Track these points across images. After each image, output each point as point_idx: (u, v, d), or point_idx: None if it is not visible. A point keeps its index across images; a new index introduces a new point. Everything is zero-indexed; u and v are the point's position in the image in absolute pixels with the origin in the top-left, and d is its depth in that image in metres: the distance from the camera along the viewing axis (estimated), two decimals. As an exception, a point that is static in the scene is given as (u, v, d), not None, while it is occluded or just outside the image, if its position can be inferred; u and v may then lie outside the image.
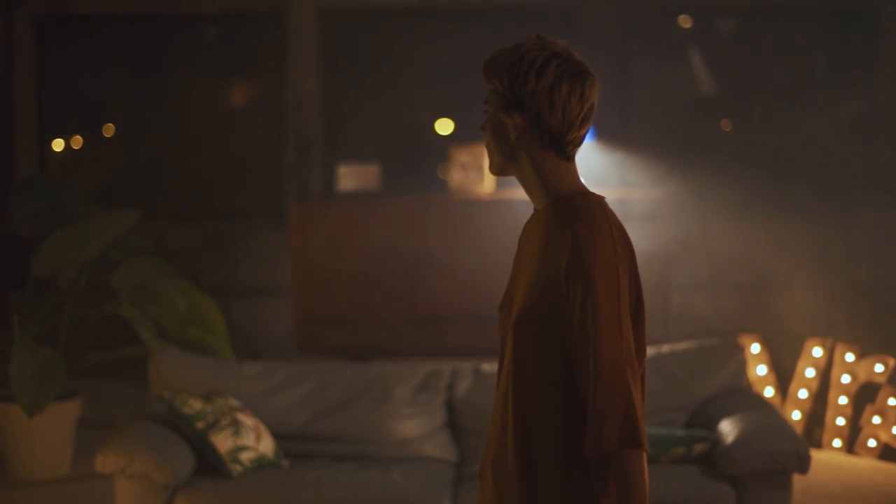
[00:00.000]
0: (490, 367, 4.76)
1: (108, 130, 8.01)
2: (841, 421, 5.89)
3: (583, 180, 2.33)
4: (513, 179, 2.37)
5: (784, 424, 4.38)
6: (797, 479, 4.94)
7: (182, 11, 7.72)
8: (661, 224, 6.13)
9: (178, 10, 7.72)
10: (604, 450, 2.11)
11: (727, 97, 7.52)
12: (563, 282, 2.17)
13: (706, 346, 4.91)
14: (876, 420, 5.76)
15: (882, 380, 5.82)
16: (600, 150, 6.63)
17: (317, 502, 4.17)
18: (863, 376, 5.88)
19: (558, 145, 2.24)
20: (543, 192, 2.27)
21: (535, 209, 2.34)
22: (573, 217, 2.19)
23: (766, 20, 7.50)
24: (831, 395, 5.94)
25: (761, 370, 6.13)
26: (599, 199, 2.26)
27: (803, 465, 4.21)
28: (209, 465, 4.35)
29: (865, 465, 5.69)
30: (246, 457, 4.31)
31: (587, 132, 2.27)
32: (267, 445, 4.41)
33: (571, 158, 2.27)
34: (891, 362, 5.81)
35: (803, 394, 6.02)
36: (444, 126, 7.73)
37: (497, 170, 2.36)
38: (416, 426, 4.63)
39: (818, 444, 5.94)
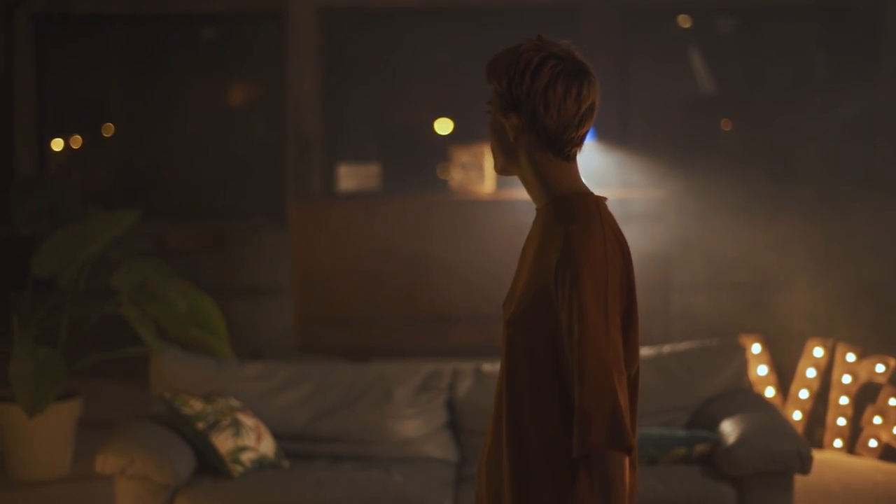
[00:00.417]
0: (491, 367, 4.75)
1: (108, 130, 8.01)
2: (842, 421, 5.88)
3: (584, 180, 2.33)
4: (514, 179, 2.37)
5: (786, 425, 4.38)
6: (798, 479, 4.94)
7: (182, 11, 7.72)
8: (662, 224, 6.13)
9: (177, 10, 7.72)
10: (588, 450, 2.12)
11: (728, 97, 7.52)
12: (553, 282, 2.18)
13: (707, 347, 4.90)
14: (877, 420, 5.75)
15: (883, 380, 5.81)
16: (600, 150, 6.62)
17: (317, 503, 4.17)
18: (864, 376, 5.87)
19: (556, 145, 2.24)
20: (542, 192, 2.28)
21: (536, 209, 2.34)
22: (568, 218, 2.21)
23: (767, 20, 7.50)
24: (832, 395, 5.93)
25: (762, 370, 6.12)
26: (596, 200, 2.25)
27: (805, 465, 4.20)
28: (210, 465, 4.34)
29: (866, 466, 5.69)
30: (246, 457, 4.30)
31: (587, 132, 2.27)
32: (267, 446, 4.41)
33: (571, 158, 2.27)
34: (892, 362, 5.81)
35: (804, 394, 6.01)
36: (444, 126, 7.73)
37: (500, 169, 2.37)
38: (417, 426, 4.63)
39: (819, 445, 5.94)
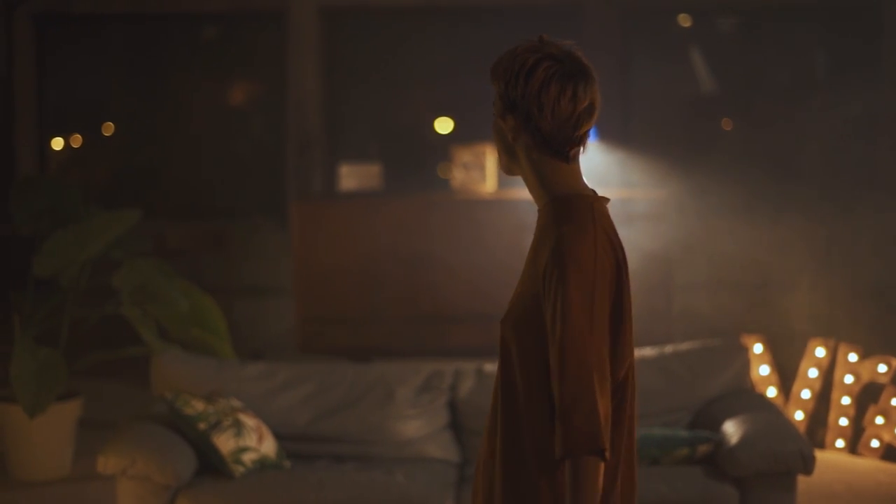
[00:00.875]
0: (493, 367, 4.74)
1: (108, 129, 8.00)
2: (844, 421, 5.88)
3: (586, 181, 2.33)
4: (516, 179, 2.39)
5: (788, 425, 4.37)
6: (800, 479, 4.93)
7: (182, 11, 7.72)
8: (663, 224, 6.12)
9: (178, 10, 7.71)
10: (562, 452, 2.12)
11: (729, 96, 7.51)
12: (541, 282, 2.19)
13: (710, 347, 4.89)
14: (879, 420, 5.74)
15: (885, 380, 5.80)
16: (602, 149, 6.62)
17: (319, 503, 4.16)
18: (866, 376, 5.86)
19: (553, 146, 2.24)
20: (541, 193, 2.29)
21: (537, 209, 2.35)
22: (562, 218, 2.21)
23: (769, 19, 7.49)
24: (834, 395, 5.92)
25: (764, 370, 6.11)
26: (592, 202, 2.25)
27: (808, 466, 4.19)
28: (211, 466, 4.33)
29: (868, 466, 5.68)
30: (248, 458, 4.29)
31: (586, 133, 2.26)
32: (269, 446, 4.40)
33: (571, 159, 2.27)
34: (894, 362, 5.80)
35: (806, 394, 6.00)
36: (444, 125, 7.72)
37: (504, 169, 2.39)
38: (418, 427, 4.62)
39: (821, 445, 5.93)
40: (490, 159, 6.37)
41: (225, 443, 4.26)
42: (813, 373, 6.01)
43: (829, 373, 6.04)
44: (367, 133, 7.76)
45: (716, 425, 4.50)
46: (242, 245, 7.51)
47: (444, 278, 6.15)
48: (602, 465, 2.12)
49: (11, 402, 5.50)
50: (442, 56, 7.75)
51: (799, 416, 6.00)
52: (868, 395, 5.92)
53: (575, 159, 2.28)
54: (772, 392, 6.10)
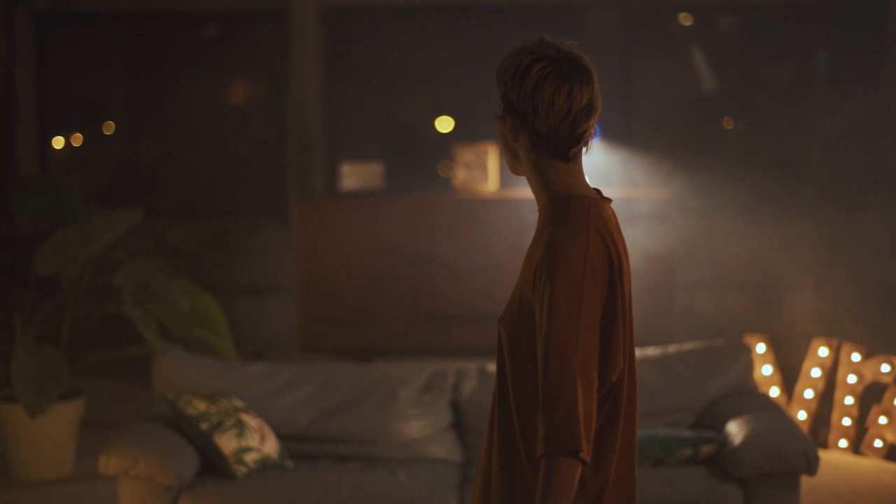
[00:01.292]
0: (495, 366, 4.73)
1: (109, 128, 7.99)
2: (847, 421, 5.86)
3: (588, 181, 2.33)
4: (519, 178, 2.39)
5: (792, 426, 4.36)
6: (803, 479, 4.92)
7: (183, 9, 7.71)
8: (666, 223, 6.11)
9: (179, 8, 7.70)
10: (539, 451, 2.11)
11: (731, 96, 7.50)
12: (532, 281, 2.20)
13: (713, 347, 4.88)
14: (882, 420, 5.73)
15: (888, 380, 5.79)
16: (604, 149, 6.60)
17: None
18: (869, 376, 5.85)
19: (550, 146, 2.24)
20: (541, 193, 2.30)
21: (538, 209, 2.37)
22: (556, 219, 2.22)
23: (771, 18, 7.48)
24: (837, 395, 5.91)
25: (767, 370, 6.10)
26: (588, 203, 2.25)
27: (811, 466, 4.18)
28: (213, 466, 4.32)
29: (871, 466, 5.66)
30: (250, 458, 4.28)
31: (586, 132, 2.25)
32: (271, 446, 4.39)
33: (571, 159, 2.27)
34: (897, 362, 5.79)
35: (809, 394, 5.99)
36: (445, 124, 7.71)
37: (511, 169, 2.39)
38: (421, 427, 4.60)
39: (824, 445, 5.92)
40: (492, 158, 6.36)
41: (227, 443, 4.25)
42: (816, 372, 5.99)
43: (832, 372, 6.03)
44: (368, 132, 7.75)
45: (719, 425, 4.49)
46: (244, 244, 7.50)
47: (446, 277, 6.14)
48: (578, 467, 2.11)
49: (13, 402, 5.49)
50: (443, 55, 7.73)
51: (802, 415, 5.98)
52: (871, 395, 5.91)
53: (575, 159, 2.27)
54: (775, 392, 6.08)
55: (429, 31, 7.72)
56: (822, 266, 6.86)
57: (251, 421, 4.38)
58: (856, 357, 5.89)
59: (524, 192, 6.16)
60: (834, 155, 7.21)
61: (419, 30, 7.71)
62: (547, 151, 2.25)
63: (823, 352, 6.00)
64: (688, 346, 4.92)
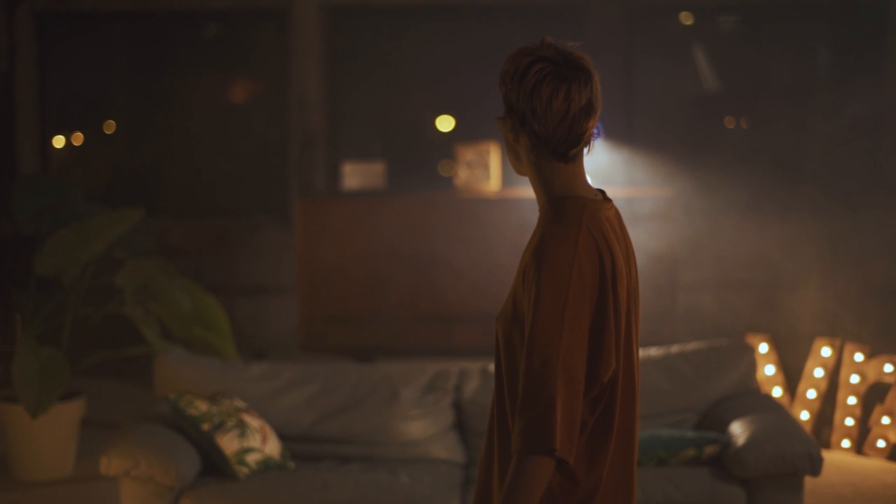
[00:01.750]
0: (498, 367, 4.71)
1: (110, 128, 7.97)
2: (850, 421, 5.85)
3: (590, 181, 2.34)
4: (522, 178, 2.40)
5: (795, 426, 4.34)
6: (805, 480, 4.90)
7: (184, 8, 7.69)
8: (669, 223, 6.09)
9: (179, 7, 7.69)
10: (513, 448, 2.12)
11: (733, 95, 7.48)
12: (522, 280, 2.22)
13: (716, 347, 4.86)
14: (885, 420, 5.72)
15: (891, 380, 5.78)
16: (607, 148, 6.59)
17: (323, 504, 4.14)
18: (872, 376, 5.84)
19: (550, 147, 2.25)
20: (541, 193, 2.31)
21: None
22: (551, 220, 2.24)
23: (773, 17, 7.46)
24: (840, 395, 5.90)
25: (769, 370, 6.09)
26: (584, 203, 2.25)
27: (815, 467, 4.17)
28: (215, 467, 4.31)
29: (874, 466, 5.65)
30: (252, 459, 4.27)
31: (586, 133, 2.25)
32: (273, 447, 4.38)
33: (571, 159, 2.27)
34: (900, 362, 5.78)
35: (812, 394, 5.98)
36: (446, 123, 7.70)
37: (514, 169, 2.41)
38: (423, 427, 4.59)
39: (827, 445, 5.91)
40: (494, 158, 6.35)
41: (229, 443, 4.24)
42: (819, 372, 5.98)
43: (834, 373, 6.02)
44: (369, 131, 7.73)
45: (722, 426, 4.48)
46: (245, 244, 7.49)
47: (448, 277, 6.12)
48: (550, 467, 2.12)
49: (14, 402, 5.48)
50: (444, 54, 7.72)
51: (804, 416, 5.97)
52: (874, 395, 5.90)
53: (575, 159, 2.28)
54: (777, 392, 6.07)
55: (430, 30, 7.71)
56: (825, 266, 6.84)
57: (253, 421, 4.37)
58: (859, 357, 5.87)
59: (526, 191, 6.14)
60: (837, 154, 7.20)
61: (420, 29, 7.70)
62: (546, 152, 2.26)
63: (826, 352, 5.98)
64: (691, 346, 4.90)
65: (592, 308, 2.18)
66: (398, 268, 6.15)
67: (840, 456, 5.78)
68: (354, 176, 6.50)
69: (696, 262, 6.96)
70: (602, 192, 2.36)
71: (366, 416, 4.60)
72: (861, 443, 5.84)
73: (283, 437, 4.54)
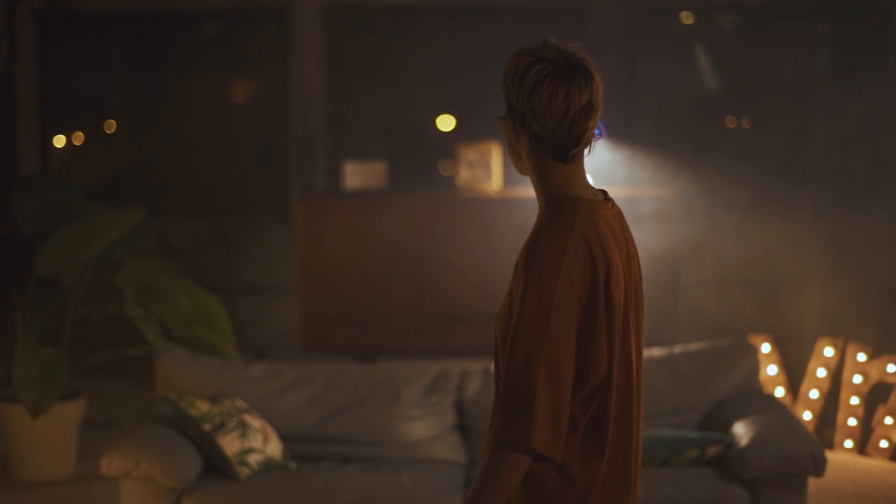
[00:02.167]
0: (499, 367, 4.70)
1: (111, 127, 7.96)
2: (852, 421, 5.84)
3: (591, 182, 2.34)
4: (524, 177, 2.41)
5: (799, 426, 4.33)
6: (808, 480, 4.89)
7: (184, 7, 7.68)
8: (671, 222, 6.08)
9: (180, 7, 7.68)
10: (488, 441, 2.14)
11: (735, 94, 7.46)
12: (513, 279, 2.24)
13: (719, 347, 4.85)
14: (888, 421, 5.70)
15: (894, 380, 5.76)
16: (608, 148, 6.57)
17: (325, 505, 4.12)
18: (875, 376, 5.82)
19: (549, 147, 2.26)
20: (540, 193, 2.32)
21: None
22: (545, 219, 2.25)
23: (774, 17, 7.45)
24: (843, 395, 5.88)
25: (772, 370, 6.07)
26: (578, 204, 2.25)
27: (819, 467, 4.15)
28: (216, 467, 4.30)
29: (877, 467, 5.64)
30: (253, 459, 4.26)
31: (586, 133, 2.25)
32: (274, 447, 4.36)
33: (570, 160, 2.28)
34: (903, 362, 5.76)
35: (814, 394, 5.96)
36: (446, 122, 7.68)
37: (517, 170, 2.41)
38: (425, 428, 4.58)
39: (829, 445, 5.89)
40: (495, 157, 6.33)
41: (230, 444, 4.23)
42: (821, 372, 5.97)
43: (837, 372, 6.01)
44: (370, 130, 7.72)
45: (726, 426, 4.47)
46: (246, 243, 7.47)
47: (450, 277, 6.11)
48: (524, 464, 2.14)
49: (14, 402, 5.47)
50: (445, 53, 7.71)
51: (807, 416, 5.96)
52: (877, 395, 5.88)
53: (574, 160, 2.28)
54: (780, 392, 6.06)
55: (431, 29, 7.69)
56: (828, 266, 6.83)
57: (254, 422, 4.36)
58: (861, 357, 5.86)
59: (528, 191, 6.13)
60: (839, 154, 7.18)
61: (421, 28, 7.69)
62: (546, 152, 2.26)
63: (829, 352, 5.97)
64: (693, 346, 4.89)
65: (581, 308, 2.19)
66: (399, 267, 6.13)
67: (843, 456, 5.77)
68: (356, 176, 6.48)
69: (698, 262, 6.94)
70: (604, 192, 2.36)
71: (367, 416, 4.58)
72: (864, 443, 5.83)
73: (284, 438, 4.53)
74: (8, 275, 6.63)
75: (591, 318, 2.19)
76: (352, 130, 7.66)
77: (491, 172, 6.32)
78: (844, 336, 6.18)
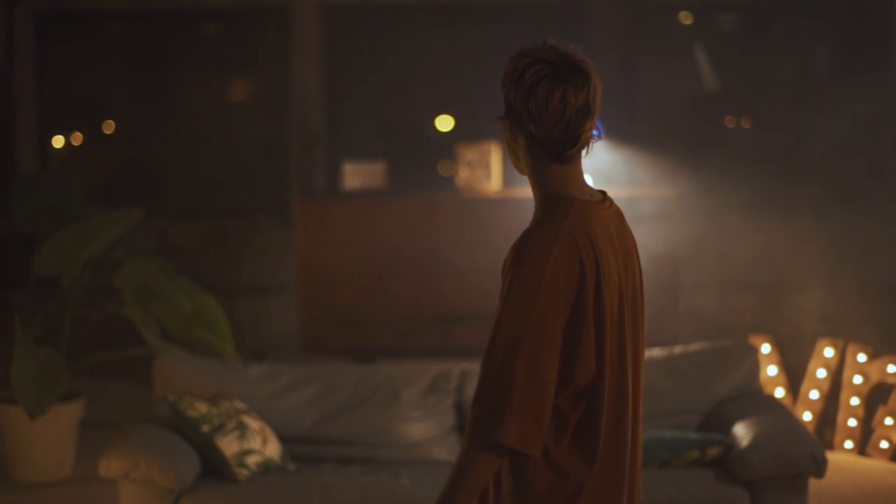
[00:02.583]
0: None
1: (109, 127, 7.95)
2: (853, 422, 5.83)
3: (590, 182, 2.34)
4: (523, 177, 2.42)
5: (799, 427, 4.32)
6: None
7: (184, 7, 7.67)
8: (671, 223, 6.07)
9: (179, 7, 7.66)
10: (465, 435, 2.17)
11: (735, 94, 7.45)
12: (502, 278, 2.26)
13: (719, 347, 4.84)
14: (888, 421, 5.70)
15: (894, 380, 5.75)
16: (607, 148, 6.56)
17: (324, 506, 4.11)
18: (875, 377, 5.81)
19: (545, 148, 2.26)
20: (536, 193, 2.33)
21: None
22: (537, 220, 2.27)
23: (773, 17, 7.44)
24: (843, 396, 5.87)
25: (772, 370, 6.06)
26: (570, 204, 2.25)
27: (820, 468, 4.15)
28: (215, 469, 4.29)
29: (877, 467, 5.63)
30: (252, 460, 4.24)
31: (582, 134, 2.25)
32: (273, 449, 4.35)
33: (566, 161, 2.28)
34: (903, 363, 5.75)
35: (814, 395, 5.96)
36: (445, 123, 7.67)
37: (516, 170, 2.43)
38: (425, 429, 4.57)
39: (829, 446, 5.88)
40: (495, 157, 6.32)
41: (228, 445, 4.22)
42: (821, 373, 5.96)
43: (837, 373, 6.00)
44: (369, 131, 7.71)
45: (726, 427, 4.46)
46: (245, 244, 7.46)
47: (449, 277, 6.10)
48: (495, 459, 2.16)
49: (12, 404, 5.46)
50: (444, 53, 7.70)
51: (807, 416, 5.95)
52: (877, 396, 5.88)
53: (571, 161, 2.29)
54: (780, 392, 6.05)
55: (430, 30, 7.68)
56: (828, 266, 6.82)
57: (253, 423, 4.34)
58: (861, 358, 5.85)
59: (528, 191, 6.09)
60: (839, 154, 7.17)
61: (421, 28, 7.67)
62: (542, 153, 2.27)
63: (829, 352, 5.96)
64: (694, 346, 4.88)
65: (568, 308, 2.19)
66: (399, 268, 6.12)
67: (843, 457, 5.76)
68: (355, 176, 6.47)
69: (698, 262, 6.93)
70: (603, 192, 2.36)
71: (367, 417, 4.57)
72: (864, 444, 5.82)
73: (283, 439, 4.52)
74: (6, 275, 6.61)
75: (578, 318, 2.20)
76: (351, 131, 7.65)
77: (490, 173, 6.31)
78: (844, 336, 6.17)
